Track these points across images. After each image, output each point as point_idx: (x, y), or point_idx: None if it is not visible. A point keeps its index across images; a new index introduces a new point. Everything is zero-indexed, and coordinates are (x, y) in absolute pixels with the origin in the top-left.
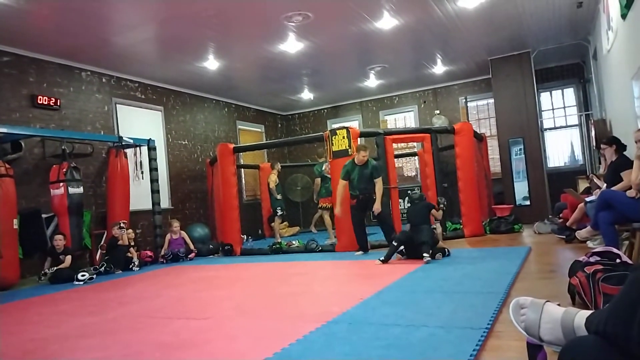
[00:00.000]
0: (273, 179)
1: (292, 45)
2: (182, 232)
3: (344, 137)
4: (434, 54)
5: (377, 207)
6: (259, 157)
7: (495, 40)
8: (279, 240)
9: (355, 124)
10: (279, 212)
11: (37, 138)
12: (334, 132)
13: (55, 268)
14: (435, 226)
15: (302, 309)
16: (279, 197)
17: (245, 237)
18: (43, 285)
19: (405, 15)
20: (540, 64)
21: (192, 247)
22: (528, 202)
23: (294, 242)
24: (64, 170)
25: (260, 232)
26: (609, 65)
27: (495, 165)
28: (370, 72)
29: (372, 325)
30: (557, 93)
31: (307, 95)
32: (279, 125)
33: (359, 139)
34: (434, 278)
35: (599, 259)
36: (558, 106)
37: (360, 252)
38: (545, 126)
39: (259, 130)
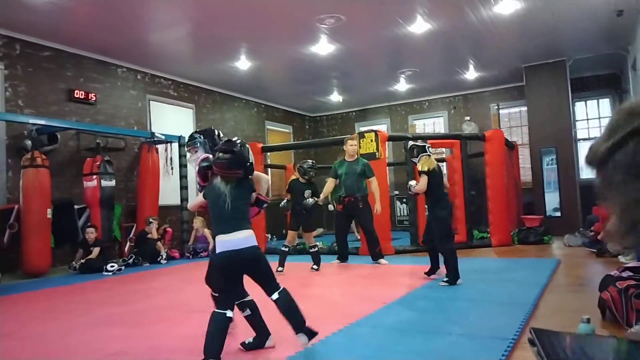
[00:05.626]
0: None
1: (323, 47)
2: (206, 229)
3: (372, 140)
4: (466, 60)
5: (378, 207)
6: (285, 158)
7: (530, 48)
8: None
9: (383, 127)
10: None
11: (73, 131)
12: (362, 134)
13: (85, 259)
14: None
15: (325, 310)
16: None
17: (270, 236)
18: (73, 275)
19: (438, 20)
20: (575, 73)
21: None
22: (559, 214)
23: (318, 244)
24: (97, 163)
25: (284, 231)
26: None
27: (525, 175)
28: (400, 76)
29: (395, 330)
30: (592, 103)
31: (336, 97)
32: (307, 126)
33: (386, 142)
34: (458, 286)
35: (631, 274)
36: (593, 116)
37: (338, 262)
38: (579, 136)
39: (287, 130)
